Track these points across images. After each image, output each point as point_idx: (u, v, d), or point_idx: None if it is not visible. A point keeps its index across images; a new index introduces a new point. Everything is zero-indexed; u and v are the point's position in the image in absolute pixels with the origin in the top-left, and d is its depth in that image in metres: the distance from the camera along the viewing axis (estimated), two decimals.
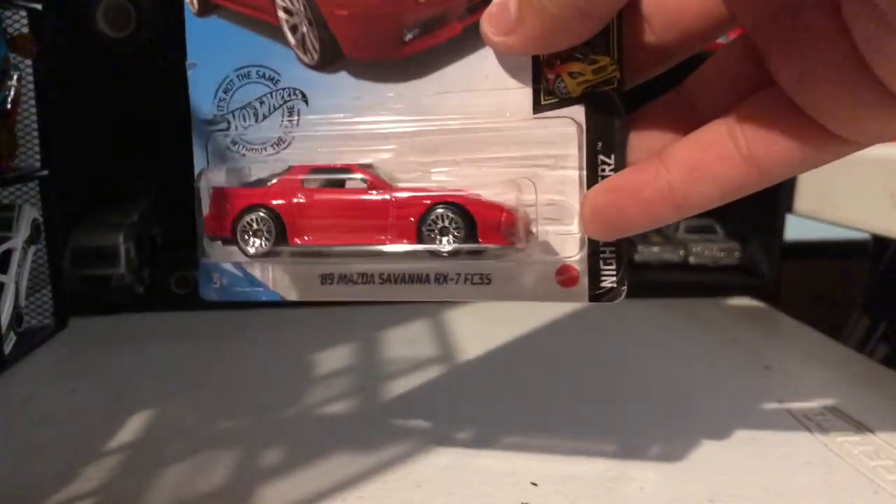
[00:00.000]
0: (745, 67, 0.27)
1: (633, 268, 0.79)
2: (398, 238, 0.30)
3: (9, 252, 0.56)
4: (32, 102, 0.58)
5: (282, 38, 0.31)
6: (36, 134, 0.58)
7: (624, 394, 0.50)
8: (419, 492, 0.37)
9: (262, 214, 0.31)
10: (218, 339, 0.61)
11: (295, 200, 0.31)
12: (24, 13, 0.57)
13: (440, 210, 0.30)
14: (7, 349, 0.54)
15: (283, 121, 0.31)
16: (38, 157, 0.59)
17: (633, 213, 0.27)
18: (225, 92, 0.32)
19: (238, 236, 0.32)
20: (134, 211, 0.70)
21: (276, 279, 0.32)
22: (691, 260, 0.78)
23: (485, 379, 0.52)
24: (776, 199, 0.71)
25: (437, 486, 0.38)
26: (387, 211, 0.30)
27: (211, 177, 0.32)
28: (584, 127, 0.28)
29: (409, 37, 0.29)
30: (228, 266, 0.33)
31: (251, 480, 0.38)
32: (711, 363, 0.56)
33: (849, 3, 0.21)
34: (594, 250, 0.29)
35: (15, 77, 0.55)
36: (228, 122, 0.32)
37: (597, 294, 0.29)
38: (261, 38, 0.31)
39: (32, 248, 0.59)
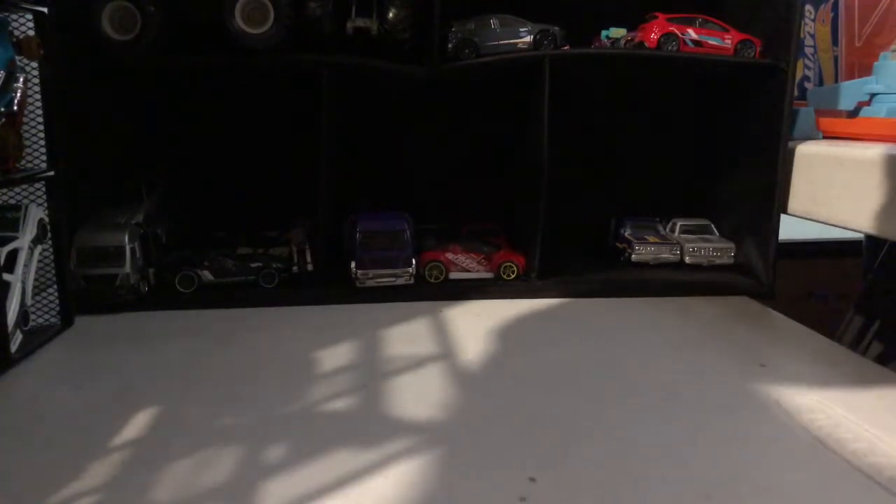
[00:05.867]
0: None
1: (631, 267, 0.80)
2: None
3: (15, 252, 0.56)
4: (38, 104, 0.59)
5: None
6: (42, 135, 0.59)
7: (620, 391, 0.51)
8: (419, 486, 0.38)
9: None
10: (221, 336, 0.61)
11: None
12: (30, 16, 0.58)
13: None
14: (14, 347, 0.54)
15: None
16: (44, 158, 0.59)
17: None
18: None
19: None
20: (139, 211, 0.71)
21: None
22: (688, 260, 0.79)
23: (484, 375, 0.53)
24: (771, 199, 0.72)
25: (437, 480, 0.39)
26: None
27: None
28: None
29: None
30: None
31: (255, 476, 0.39)
32: (707, 361, 0.56)
33: None
34: None
35: (21, 79, 0.56)
36: None
37: None
38: None
39: (39, 248, 0.60)
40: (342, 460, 0.40)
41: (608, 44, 0.76)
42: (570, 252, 0.83)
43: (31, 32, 0.58)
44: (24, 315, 0.57)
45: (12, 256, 0.56)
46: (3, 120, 0.54)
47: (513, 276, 0.75)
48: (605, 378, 0.53)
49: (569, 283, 0.75)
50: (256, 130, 0.85)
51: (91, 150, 0.71)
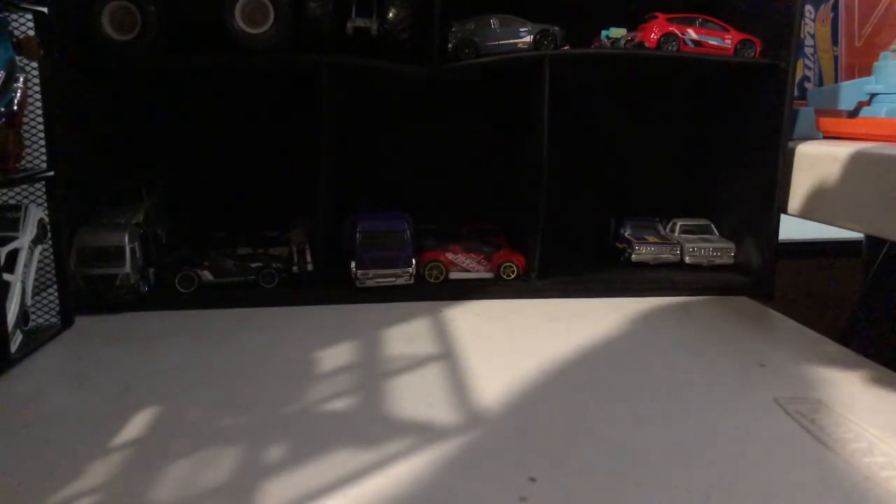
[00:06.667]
0: None
1: (631, 267, 0.80)
2: None
3: (15, 252, 0.56)
4: (38, 104, 0.59)
5: None
6: (42, 135, 0.59)
7: (620, 391, 0.51)
8: (419, 486, 0.38)
9: None
10: (221, 336, 0.61)
11: None
12: (30, 16, 0.58)
13: None
14: (14, 347, 0.54)
15: None
16: (44, 158, 0.59)
17: None
18: None
19: None
20: (139, 211, 0.71)
21: None
22: (688, 260, 0.79)
23: (484, 375, 0.53)
24: (771, 199, 0.72)
25: (437, 480, 0.39)
26: None
27: None
28: None
29: None
30: None
31: (255, 476, 0.39)
32: (707, 361, 0.56)
33: None
34: None
35: (21, 79, 0.56)
36: None
37: None
38: None
39: (39, 248, 0.60)
40: (342, 460, 0.40)
41: (608, 44, 0.76)
42: (570, 252, 0.83)
43: (31, 32, 0.57)
44: (24, 315, 0.57)
45: (12, 256, 0.56)
46: (3, 120, 0.54)
47: (513, 276, 0.75)
48: (604, 378, 0.53)
49: (569, 283, 0.75)
50: (256, 131, 0.85)
51: (91, 150, 0.71)
